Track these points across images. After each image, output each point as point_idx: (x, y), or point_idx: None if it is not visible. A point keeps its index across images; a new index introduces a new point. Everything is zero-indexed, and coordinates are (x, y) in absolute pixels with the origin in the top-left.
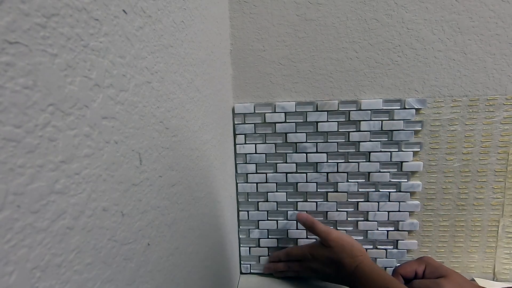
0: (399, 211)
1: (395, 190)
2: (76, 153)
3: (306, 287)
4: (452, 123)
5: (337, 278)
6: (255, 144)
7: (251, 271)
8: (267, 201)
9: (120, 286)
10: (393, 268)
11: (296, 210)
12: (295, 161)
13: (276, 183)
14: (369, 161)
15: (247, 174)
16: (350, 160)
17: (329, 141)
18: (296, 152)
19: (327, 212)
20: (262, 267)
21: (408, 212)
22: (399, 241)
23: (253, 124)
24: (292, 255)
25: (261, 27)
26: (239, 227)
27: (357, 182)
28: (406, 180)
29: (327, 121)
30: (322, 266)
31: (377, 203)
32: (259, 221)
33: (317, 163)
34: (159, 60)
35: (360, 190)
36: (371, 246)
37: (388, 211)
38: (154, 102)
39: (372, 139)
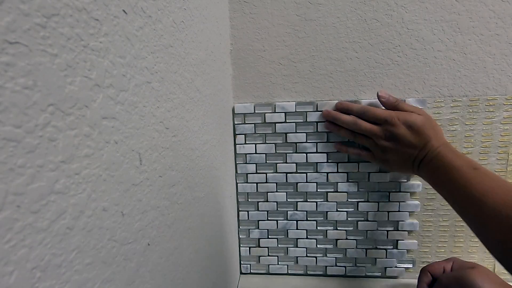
0: (399, 211)
1: (395, 190)
2: (76, 153)
3: (308, 286)
4: (452, 123)
5: (410, 155)
6: (255, 144)
7: (251, 271)
8: (267, 201)
9: (120, 286)
10: (420, 269)
11: (296, 210)
12: (295, 161)
13: (276, 183)
14: (369, 161)
15: (247, 174)
16: (350, 160)
17: (329, 141)
18: (296, 152)
19: (327, 212)
20: (321, 112)
21: (408, 212)
22: (399, 241)
23: (253, 124)
24: (371, 113)
25: (261, 27)
26: (239, 227)
27: (357, 182)
28: (406, 180)
29: (327, 121)
30: (407, 132)
31: (377, 203)
32: (259, 221)
33: (317, 163)
34: (159, 60)
35: (360, 190)
36: (371, 246)
37: (388, 211)
38: (154, 102)
39: None
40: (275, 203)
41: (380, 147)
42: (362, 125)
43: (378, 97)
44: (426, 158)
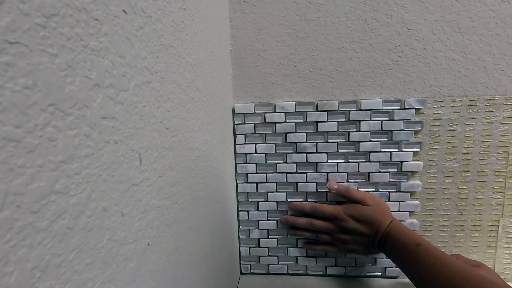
0: (399, 211)
1: (395, 190)
2: (76, 153)
3: (308, 286)
4: (452, 123)
5: (368, 241)
6: (255, 144)
7: (251, 271)
8: (267, 201)
9: (120, 286)
10: None
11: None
12: (295, 161)
13: (276, 183)
14: (369, 161)
15: (247, 174)
16: (350, 160)
17: (329, 141)
18: (296, 152)
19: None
20: (279, 219)
21: (408, 212)
22: None
23: (253, 124)
24: (320, 211)
25: (261, 27)
26: (239, 227)
27: (357, 182)
28: (406, 180)
29: (327, 121)
30: (357, 225)
31: None
32: (259, 221)
33: (317, 163)
34: (159, 60)
35: (360, 190)
36: None
37: None
38: (154, 102)
39: (372, 139)
40: (275, 203)
41: (339, 240)
42: (317, 224)
43: (328, 189)
44: (381, 241)
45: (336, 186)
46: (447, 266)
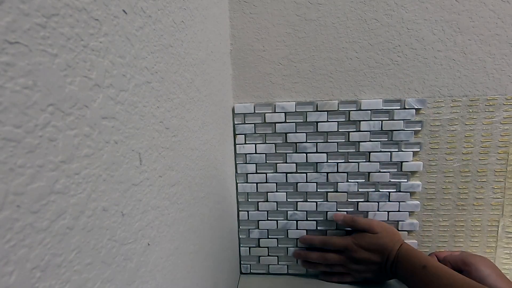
0: (399, 211)
1: (395, 190)
2: (76, 153)
3: (308, 286)
4: (452, 123)
5: (380, 268)
6: (255, 144)
7: (251, 271)
8: (267, 201)
9: (120, 286)
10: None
11: (296, 210)
12: (295, 161)
13: (276, 183)
14: (369, 161)
15: (247, 174)
16: (350, 160)
17: (329, 141)
18: (296, 152)
19: (327, 212)
20: (292, 253)
21: (408, 212)
22: None
23: (253, 124)
24: (330, 244)
25: (261, 27)
26: (239, 227)
27: (357, 182)
28: (406, 180)
29: (327, 121)
30: (368, 254)
31: (377, 203)
32: (259, 221)
33: (317, 163)
34: (159, 60)
35: (360, 190)
36: None
37: (388, 211)
38: (154, 102)
39: (372, 139)
40: (275, 203)
41: (353, 270)
42: (329, 258)
43: (335, 220)
44: (392, 267)
45: (342, 218)
46: (452, 285)
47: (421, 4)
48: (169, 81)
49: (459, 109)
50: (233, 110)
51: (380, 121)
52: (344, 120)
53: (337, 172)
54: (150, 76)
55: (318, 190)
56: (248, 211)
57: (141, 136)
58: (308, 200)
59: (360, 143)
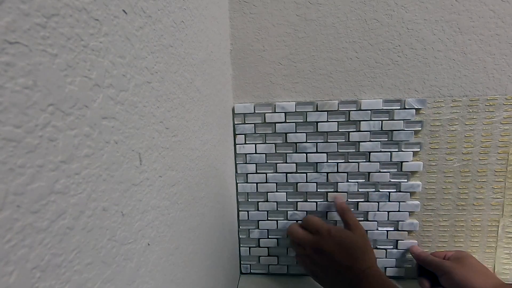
0: (399, 211)
1: (395, 190)
2: (76, 153)
3: (307, 286)
4: (452, 123)
5: (337, 275)
6: (255, 144)
7: (251, 271)
8: (267, 201)
9: (120, 286)
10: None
11: (296, 210)
12: (295, 161)
13: (276, 183)
14: (369, 161)
15: (247, 174)
16: (350, 160)
17: (329, 141)
18: (296, 152)
19: (327, 212)
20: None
21: (408, 212)
22: (399, 241)
23: (253, 124)
24: (308, 223)
25: (261, 27)
26: (239, 227)
27: (357, 182)
28: (406, 180)
29: (327, 121)
30: (334, 248)
31: (377, 203)
32: (259, 221)
33: (317, 163)
34: (159, 60)
35: (360, 190)
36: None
37: (388, 211)
38: (154, 102)
39: (372, 139)
40: (275, 203)
41: (309, 257)
42: (294, 233)
43: (333, 201)
44: (353, 282)
45: (340, 203)
46: None
47: (421, 4)
48: (169, 81)
49: (459, 109)
50: (233, 110)
51: (380, 121)
52: (344, 120)
53: (337, 172)
54: (150, 76)
55: (318, 190)
56: (248, 211)
57: (141, 136)
58: (308, 200)
59: (360, 143)
